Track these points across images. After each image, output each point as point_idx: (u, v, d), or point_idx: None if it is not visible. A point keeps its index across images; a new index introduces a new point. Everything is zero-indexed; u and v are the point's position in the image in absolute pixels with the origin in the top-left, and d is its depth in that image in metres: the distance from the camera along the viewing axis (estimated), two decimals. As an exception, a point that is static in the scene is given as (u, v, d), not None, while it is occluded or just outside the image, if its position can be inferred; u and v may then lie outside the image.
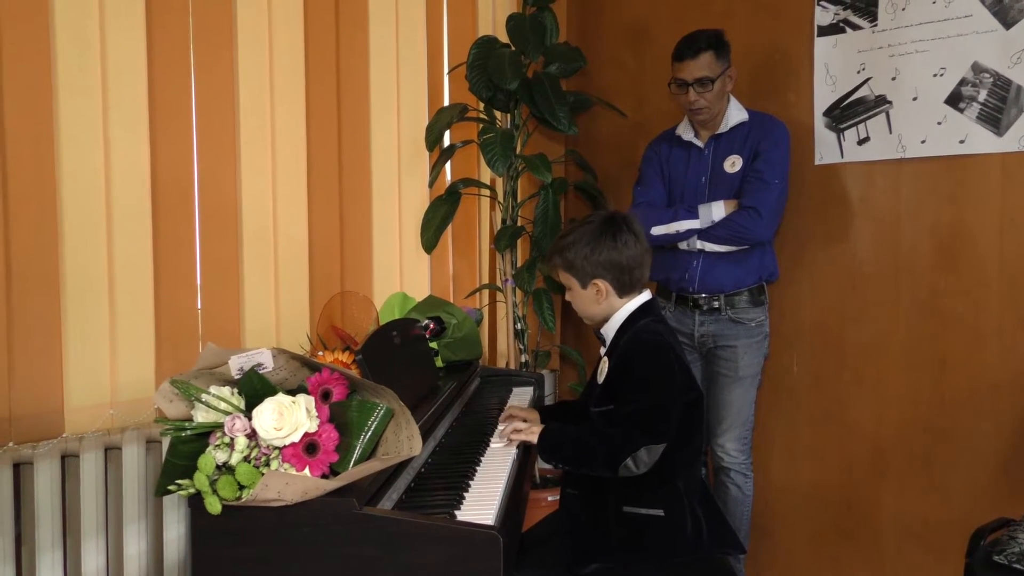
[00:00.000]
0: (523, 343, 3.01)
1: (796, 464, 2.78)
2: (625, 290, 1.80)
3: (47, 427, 1.88)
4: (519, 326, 3.00)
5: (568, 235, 1.81)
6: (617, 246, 1.77)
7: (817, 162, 2.69)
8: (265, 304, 2.33)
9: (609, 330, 1.81)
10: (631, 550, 1.70)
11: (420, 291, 2.81)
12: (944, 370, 2.47)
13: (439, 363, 2.30)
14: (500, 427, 1.93)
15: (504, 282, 3.00)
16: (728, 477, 2.57)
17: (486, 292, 3.12)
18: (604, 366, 1.81)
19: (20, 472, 1.86)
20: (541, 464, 3.05)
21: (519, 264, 2.99)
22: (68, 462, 1.93)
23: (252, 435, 1.26)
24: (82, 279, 1.93)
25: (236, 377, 1.32)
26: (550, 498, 2.81)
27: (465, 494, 1.56)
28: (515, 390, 2.45)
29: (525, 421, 1.89)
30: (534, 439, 1.80)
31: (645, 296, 1.82)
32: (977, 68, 2.37)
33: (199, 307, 2.20)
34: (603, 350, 1.84)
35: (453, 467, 1.71)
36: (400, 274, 2.80)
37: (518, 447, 1.84)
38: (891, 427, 2.58)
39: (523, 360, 3.01)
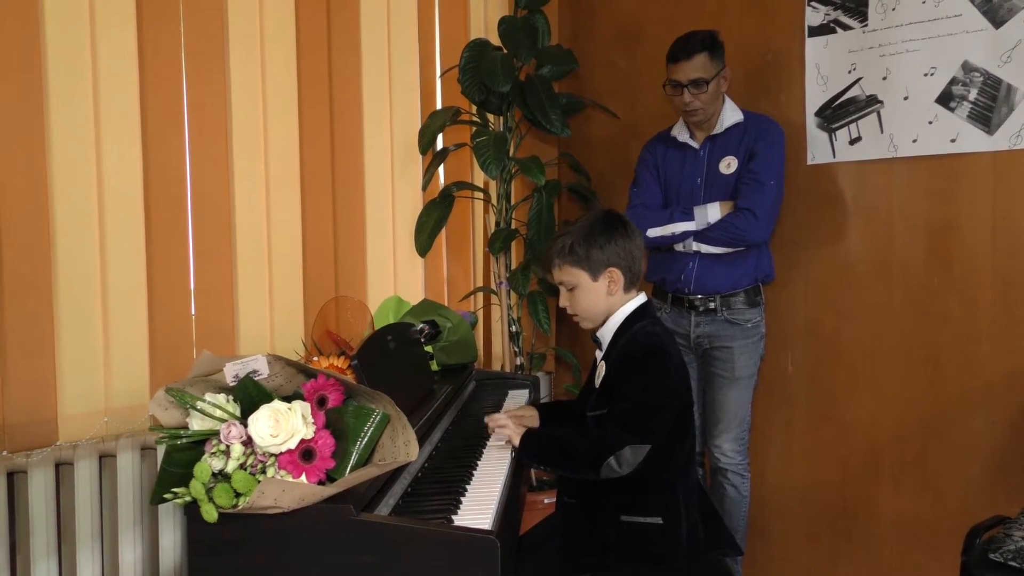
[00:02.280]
0: (518, 346, 3.01)
1: (792, 464, 2.79)
2: (632, 282, 1.80)
3: (41, 435, 1.87)
4: (514, 329, 3.00)
5: (570, 233, 1.79)
6: (628, 234, 1.78)
7: (809, 162, 2.70)
8: (259, 310, 2.33)
9: (606, 333, 1.81)
10: (629, 558, 1.70)
11: (414, 295, 2.81)
12: (938, 368, 2.48)
13: (434, 367, 2.30)
14: (492, 419, 1.91)
15: (499, 285, 3.00)
16: (725, 478, 2.57)
17: (481, 295, 3.12)
18: (601, 370, 1.80)
19: (14, 481, 1.85)
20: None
21: (513, 267, 2.99)
22: (62, 470, 1.92)
23: (248, 442, 1.26)
24: (75, 286, 1.93)
25: (231, 384, 1.32)
26: (546, 500, 2.80)
27: (462, 499, 1.55)
28: (511, 393, 2.45)
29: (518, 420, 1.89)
30: (516, 440, 1.79)
31: (641, 298, 1.82)
32: (967, 67, 2.38)
33: (193, 313, 2.19)
34: (599, 354, 1.84)
35: (450, 471, 1.70)
36: (394, 278, 2.79)
37: (513, 450, 1.84)
38: (886, 426, 2.58)
39: (518, 363, 3.01)
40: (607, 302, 1.80)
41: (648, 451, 1.64)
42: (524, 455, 1.78)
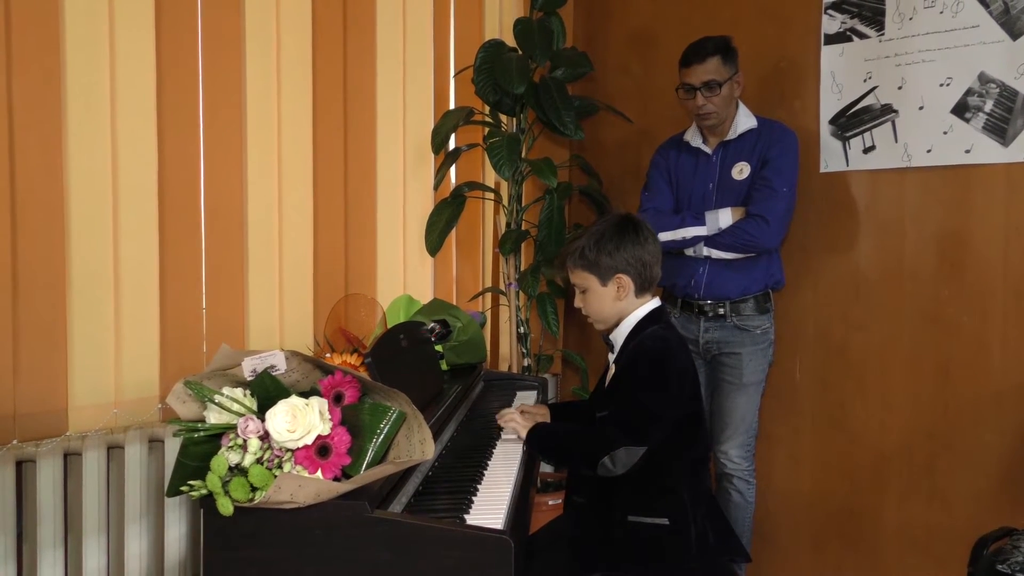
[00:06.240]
0: (526, 347, 3.01)
1: (799, 471, 2.79)
2: (643, 288, 1.80)
3: (51, 425, 1.88)
4: (522, 330, 3.00)
5: (585, 236, 1.80)
6: (640, 241, 1.78)
7: (822, 170, 2.70)
8: (269, 305, 2.33)
9: (619, 336, 1.81)
10: (636, 559, 1.71)
11: (423, 294, 2.81)
12: (947, 378, 2.48)
13: (444, 366, 2.30)
14: (501, 415, 1.95)
15: (508, 285, 3.00)
16: (731, 483, 2.57)
17: (489, 295, 3.11)
18: (612, 372, 1.81)
19: (23, 470, 1.85)
20: (543, 468, 3.05)
21: (523, 268, 2.99)
22: (71, 460, 1.93)
23: (265, 437, 1.26)
24: (88, 278, 1.93)
25: (249, 379, 1.32)
26: (551, 502, 2.80)
27: (473, 498, 1.55)
28: (519, 394, 2.45)
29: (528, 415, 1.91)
30: (523, 432, 1.83)
31: (655, 303, 1.82)
32: (984, 78, 2.38)
33: (204, 308, 2.19)
34: (611, 357, 1.84)
35: (460, 471, 1.70)
36: (404, 277, 2.79)
37: (524, 448, 1.85)
38: (894, 435, 2.58)
39: (525, 364, 3.01)
40: (617, 306, 1.80)
41: (644, 453, 1.67)
42: (530, 445, 1.83)
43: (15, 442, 1.81)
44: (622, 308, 1.81)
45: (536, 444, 1.82)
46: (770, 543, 2.82)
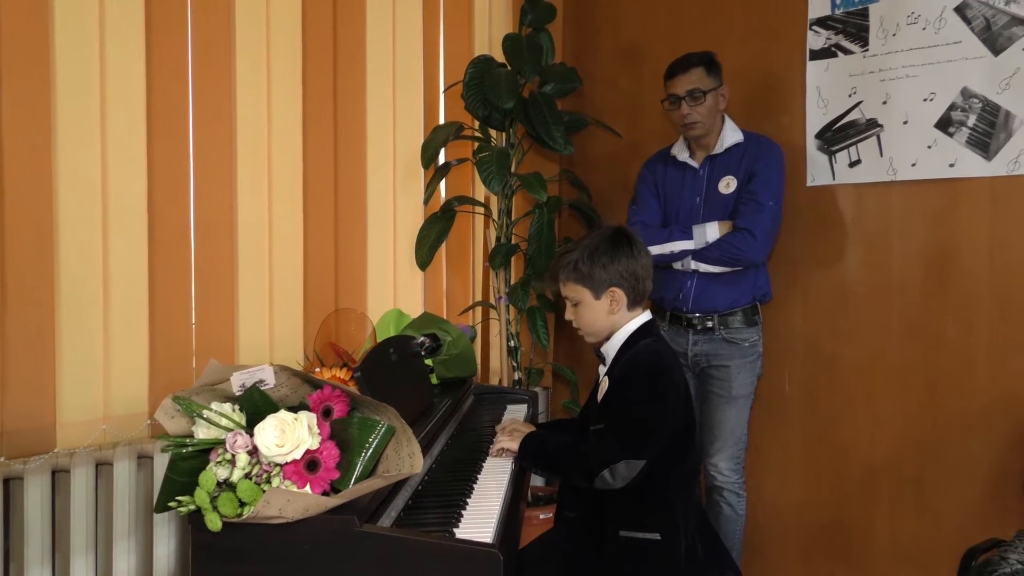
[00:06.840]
0: (516, 360, 3.01)
1: (788, 483, 2.79)
2: (636, 301, 1.81)
3: (38, 442, 1.87)
4: (512, 343, 3.00)
5: (578, 249, 1.81)
6: (634, 254, 1.79)
7: (809, 184, 2.73)
8: (259, 320, 2.33)
9: (611, 349, 1.82)
10: (626, 573, 1.70)
11: (414, 308, 2.81)
12: (935, 391, 2.50)
13: (434, 380, 2.30)
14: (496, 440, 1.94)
15: (498, 299, 3.00)
16: (721, 496, 2.57)
17: (479, 309, 3.12)
18: (604, 385, 1.81)
19: (10, 487, 1.84)
20: (534, 482, 3.05)
21: (513, 281, 3.00)
22: (59, 477, 1.91)
23: (254, 452, 1.26)
24: (77, 293, 1.93)
25: (238, 393, 1.32)
26: (542, 516, 2.80)
27: (463, 512, 1.55)
28: (509, 407, 2.45)
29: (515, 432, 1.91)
30: (515, 446, 1.83)
31: (646, 315, 1.83)
32: (967, 93, 2.41)
33: (193, 322, 2.19)
34: (603, 369, 1.85)
35: (450, 485, 1.70)
36: (394, 291, 2.80)
37: (514, 461, 1.85)
38: (882, 447, 2.59)
39: (516, 377, 3.01)
40: (609, 320, 1.81)
41: (643, 467, 1.66)
42: (523, 457, 1.83)
43: (2, 459, 1.80)
44: (615, 321, 1.81)
45: (529, 456, 1.82)
46: (760, 556, 2.82)
